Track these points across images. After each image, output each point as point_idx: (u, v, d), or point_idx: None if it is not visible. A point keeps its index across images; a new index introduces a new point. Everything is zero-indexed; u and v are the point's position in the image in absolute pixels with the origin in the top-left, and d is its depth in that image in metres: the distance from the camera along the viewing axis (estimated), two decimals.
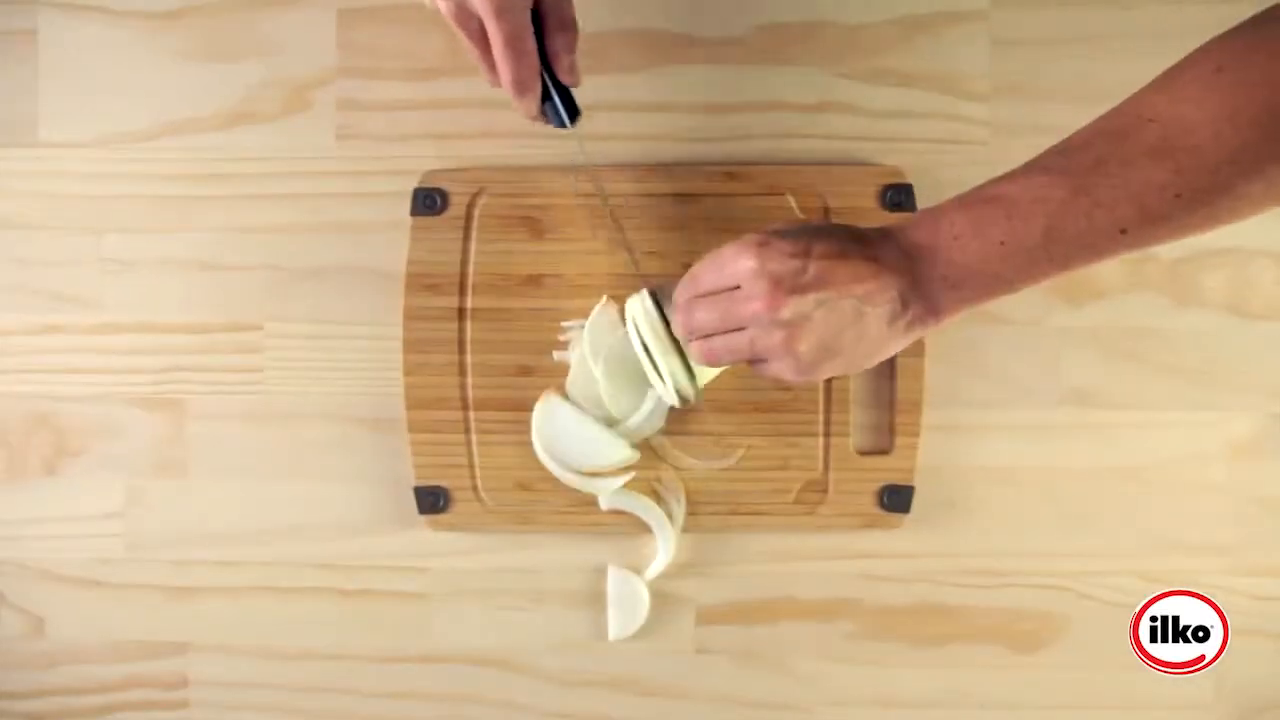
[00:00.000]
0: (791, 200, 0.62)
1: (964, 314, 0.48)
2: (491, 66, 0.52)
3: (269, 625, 0.65)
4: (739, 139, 0.63)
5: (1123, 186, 0.44)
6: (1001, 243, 0.46)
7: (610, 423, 0.61)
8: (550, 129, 0.56)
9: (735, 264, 0.49)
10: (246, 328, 0.64)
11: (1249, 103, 0.42)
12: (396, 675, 0.65)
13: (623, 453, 0.61)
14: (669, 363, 0.57)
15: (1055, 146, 0.47)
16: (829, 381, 0.62)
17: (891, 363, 0.62)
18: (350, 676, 0.65)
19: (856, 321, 0.47)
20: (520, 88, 0.52)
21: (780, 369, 0.50)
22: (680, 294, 0.52)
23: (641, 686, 0.64)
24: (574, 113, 0.55)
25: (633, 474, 0.62)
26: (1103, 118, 0.46)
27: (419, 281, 0.62)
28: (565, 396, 0.61)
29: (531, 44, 0.51)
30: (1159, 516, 0.63)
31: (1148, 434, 0.63)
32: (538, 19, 0.52)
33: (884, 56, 0.63)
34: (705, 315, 0.50)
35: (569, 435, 0.61)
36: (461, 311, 0.62)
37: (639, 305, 0.57)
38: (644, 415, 0.61)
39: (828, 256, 0.47)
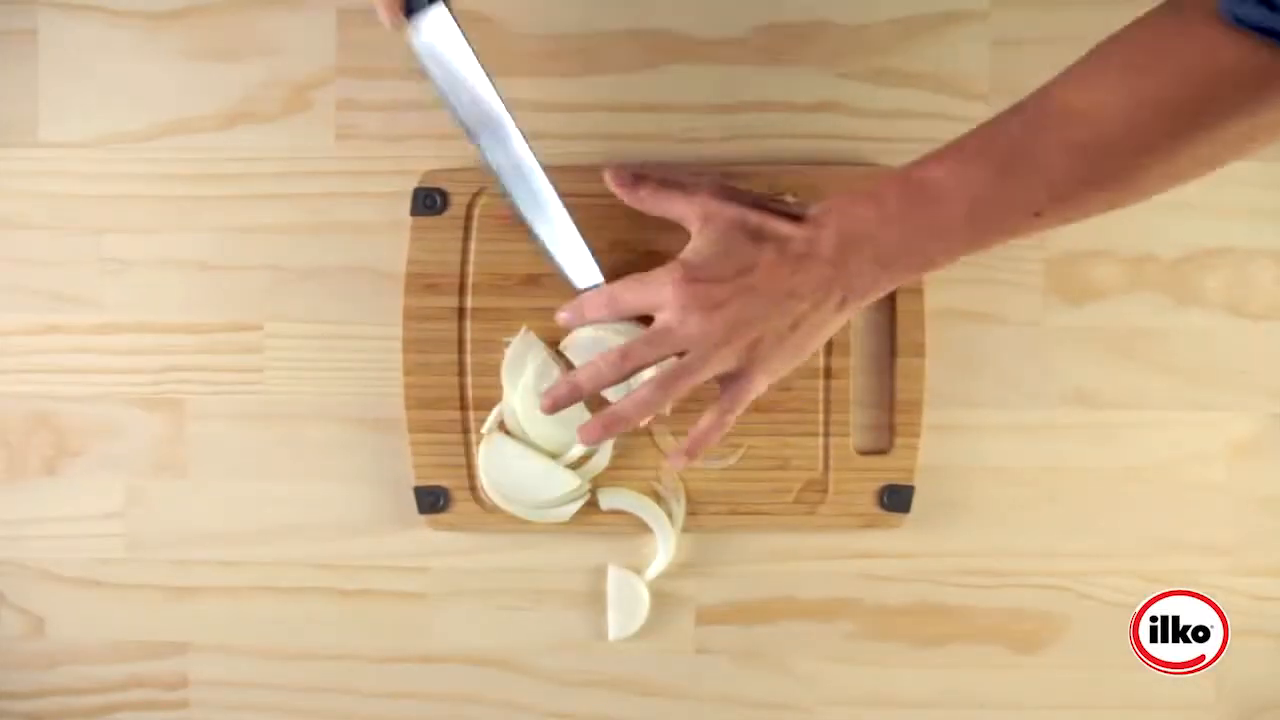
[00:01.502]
0: (790, 199, 0.62)
1: (885, 292, 0.51)
2: None
3: (269, 625, 0.65)
4: (739, 139, 0.63)
5: (1039, 173, 0.47)
6: (930, 225, 0.49)
7: (554, 454, 0.62)
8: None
9: (656, 294, 0.52)
10: (246, 328, 0.64)
11: (1158, 92, 0.44)
12: (396, 675, 0.65)
13: (570, 484, 0.61)
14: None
15: (976, 131, 0.49)
16: (828, 381, 0.62)
17: (891, 363, 0.62)
18: (350, 676, 0.65)
19: (787, 315, 0.51)
20: None
21: (743, 386, 0.53)
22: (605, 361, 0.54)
23: (641, 686, 0.64)
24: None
25: (583, 500, 0.62)
26: (1020, 105, 0.48)
27: (419, 281, 0.62)
28: (508, 433, 0.62)
29: None
30: (1159, 516, 0.63)
31: (1148, 434, 0.63)
32: None
33: (884, 56, 0.63)
34: (641, 350, 0.53)
35: (514, 472, 0.61)
36: (461, 311, 0.62)
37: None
38: (580, 449, 0.61)
39: (743, 272, 0.51)
